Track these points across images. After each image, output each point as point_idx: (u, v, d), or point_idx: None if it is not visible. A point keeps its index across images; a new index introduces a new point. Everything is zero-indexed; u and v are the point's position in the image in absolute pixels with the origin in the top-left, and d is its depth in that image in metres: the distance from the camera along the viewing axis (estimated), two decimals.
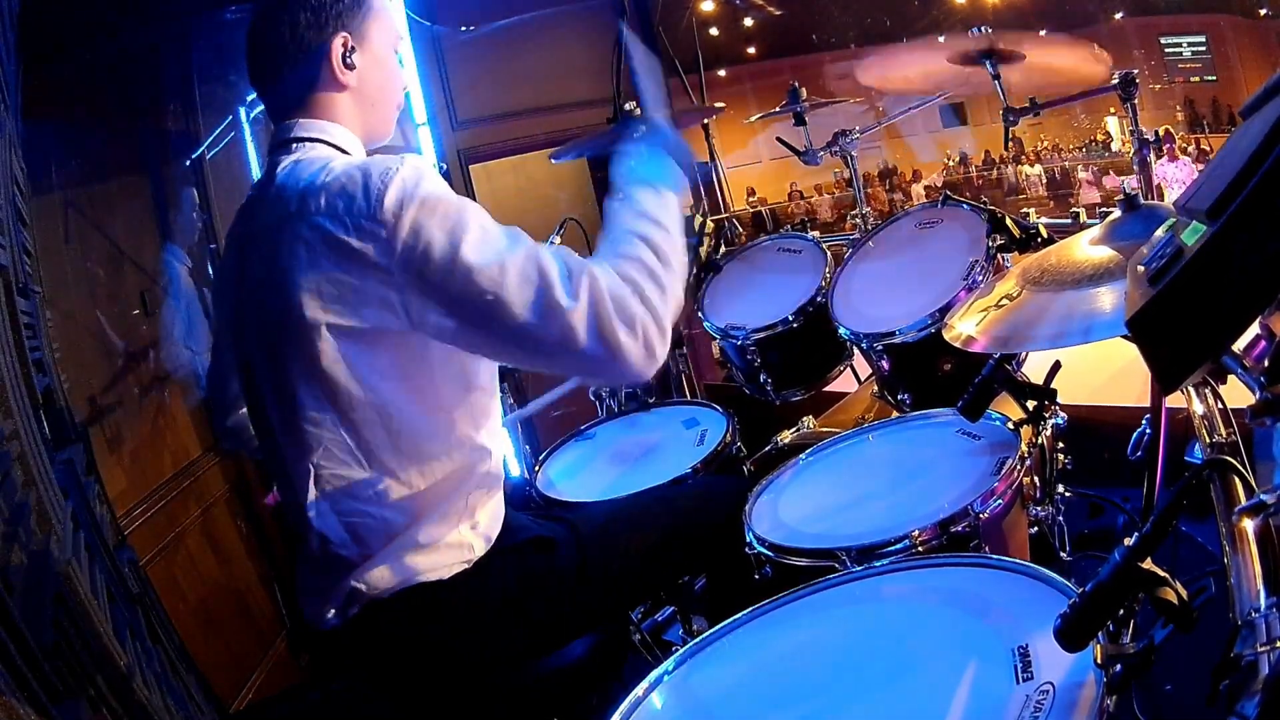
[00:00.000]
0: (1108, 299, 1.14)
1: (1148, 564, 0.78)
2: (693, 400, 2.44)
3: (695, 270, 2.46)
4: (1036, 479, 1.55)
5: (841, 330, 2.11)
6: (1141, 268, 0.76)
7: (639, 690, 1.13)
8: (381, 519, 1.29)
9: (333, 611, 1.32)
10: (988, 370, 1.50)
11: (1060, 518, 1.63)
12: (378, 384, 1.23)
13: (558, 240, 2.46)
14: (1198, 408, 1.22)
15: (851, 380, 2.69)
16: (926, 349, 1.95)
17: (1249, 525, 0.90)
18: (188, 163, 3.20)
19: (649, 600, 2.14)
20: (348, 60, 1.32)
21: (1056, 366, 1.57)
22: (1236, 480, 1.00)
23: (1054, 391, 1.54)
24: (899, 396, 2.12)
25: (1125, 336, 0.83)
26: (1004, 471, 1.42)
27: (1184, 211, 0.77)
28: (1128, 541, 0.79)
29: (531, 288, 1.15)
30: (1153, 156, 2.48)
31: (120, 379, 2.79)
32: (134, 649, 1.71)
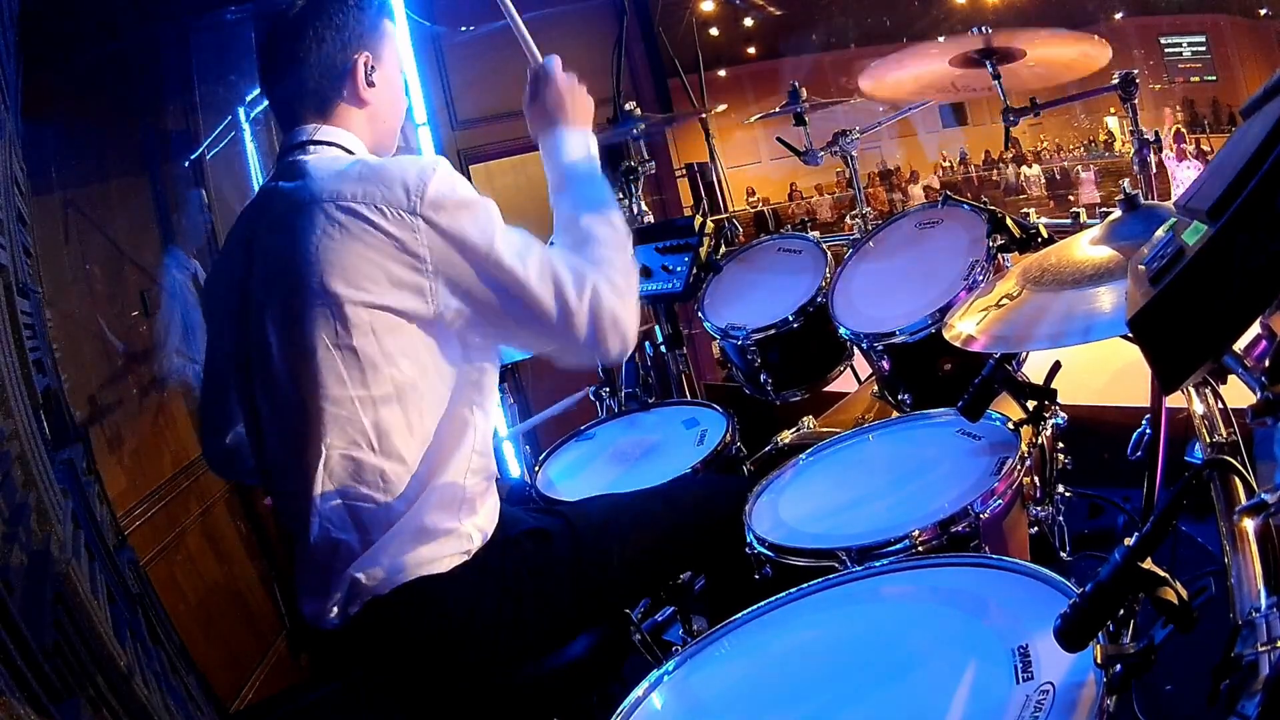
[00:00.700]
0: (1108, 299, 1.14)
1: (1148, 564, 0.78)
2: (693, 400, 2.44)
3: (695, 270, 2.46)
4: (1036, 479, 1.55)
5: (842, 330, 2.11)
6: (1142, 267, 0.76)
7: (639, 690, 1.13)
8: (385, 505, 1.30)
9: (334, 609, 1.32)
10: (988, 370, 1.50)
11: (1060, 518, 1.63)
12: (401, 361, 1.29)
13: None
14: (1198, 408, 1.22)
15: (851, 380, 2.68)
16: (926, 349, 1.95)
17: (1249, 525, 0.90)
18: (187, 163, 3.21)
19: (648, 599, 2.14)
20: (370, 79, 1.41)
21: (1056, 366, 1.57)
22: (1236, 480, 1.00)
23: (1054, 391, 1.54)
24: (899, 396, 2.12)
25: (1125, 336, 0.83)
26: (1004, 471, 1.42)
27: (1184, 211, 0.77)
28: (1128, 541, 0.79)
29: (549, 285, 1.31)
30: (1152, 155, 2.48)
31: (120, 379, 2.79)
32: (134, 649, 1.71)
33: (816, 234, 2.50)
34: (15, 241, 1.92)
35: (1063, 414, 1.60)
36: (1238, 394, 0.98)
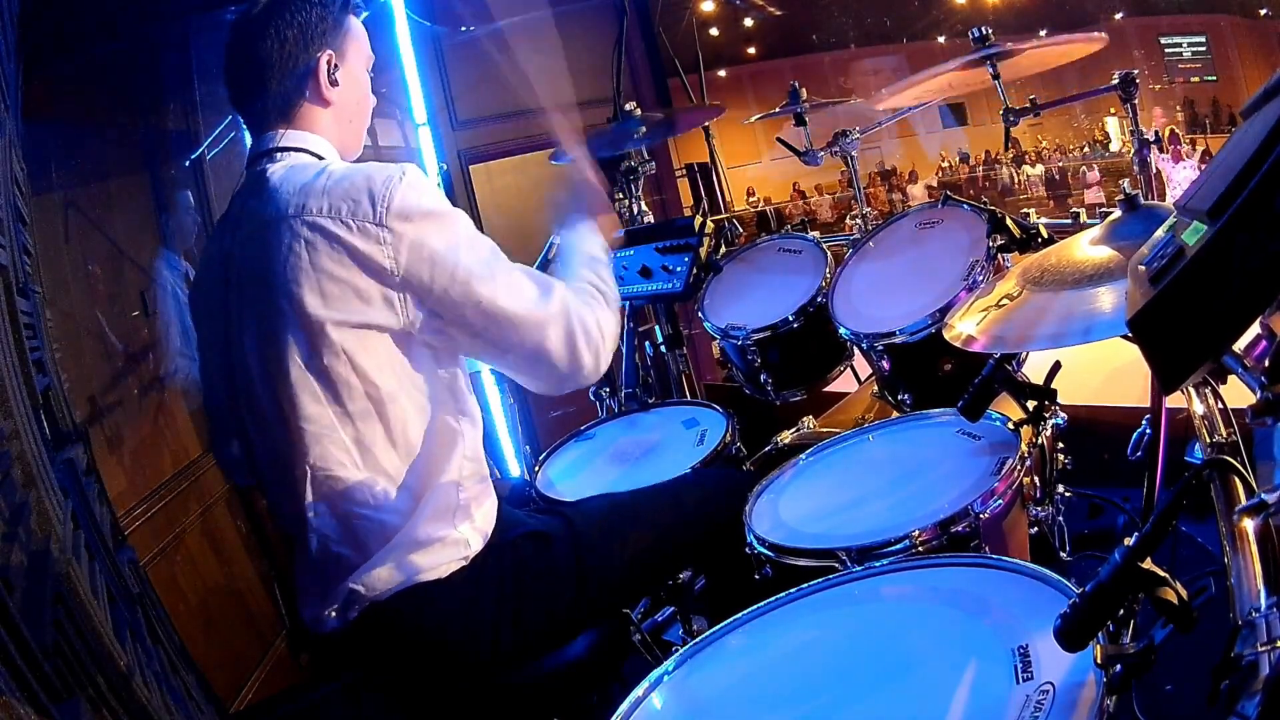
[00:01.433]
0: (1108, 299, 1.14)
1: (1148, 564, 0.78)
2: (693, 400, 2.44)
3: (695, 270, 2.46)
4: (1036, 479, 1.55)
5: (842, 330, 2.11)
6: (1142, 267, 0.76)
7: (639, 690, 1.13)
8: (378, 520, 1.30)
9: (332, 614, 1.32)
10: (988, 370, 1.50)
11: (1060, 518, 1.63)
12: (375, 376, 1.27)
13: (558, 240, 2.46)
14: (1198, 408, 1.22)
15: (851, 380, 2.68)
16: (927, 349, 1.95)
17: (1249, 525, 0.89)
18: (188, 163, 3.20)
19: (648, 599, 2.14)
20: (333, 77, 1.38)
21: (1056, 366, 1.57)
22: (1236, 480, 1.00)
23: (1054, 391, 1.54)
24: (899, 396, 2.12)
25: (1125, 336, 0.83)
26: (1004, 471, 1.42)
27: (1184, 211, 0.77)
28: (1128, 541, 0.79)
29: (517, 298, 1.30)
30: (1153, 155, 2.48)
31: (120, 379, 2.79)
32: (134, 649, 1.71)
33: (816, 234, 2.50)
34: (15, 241, 1.92)
35: (1063, 414, 1.60)
36: (1238, 394, 0.98)
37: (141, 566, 2.29)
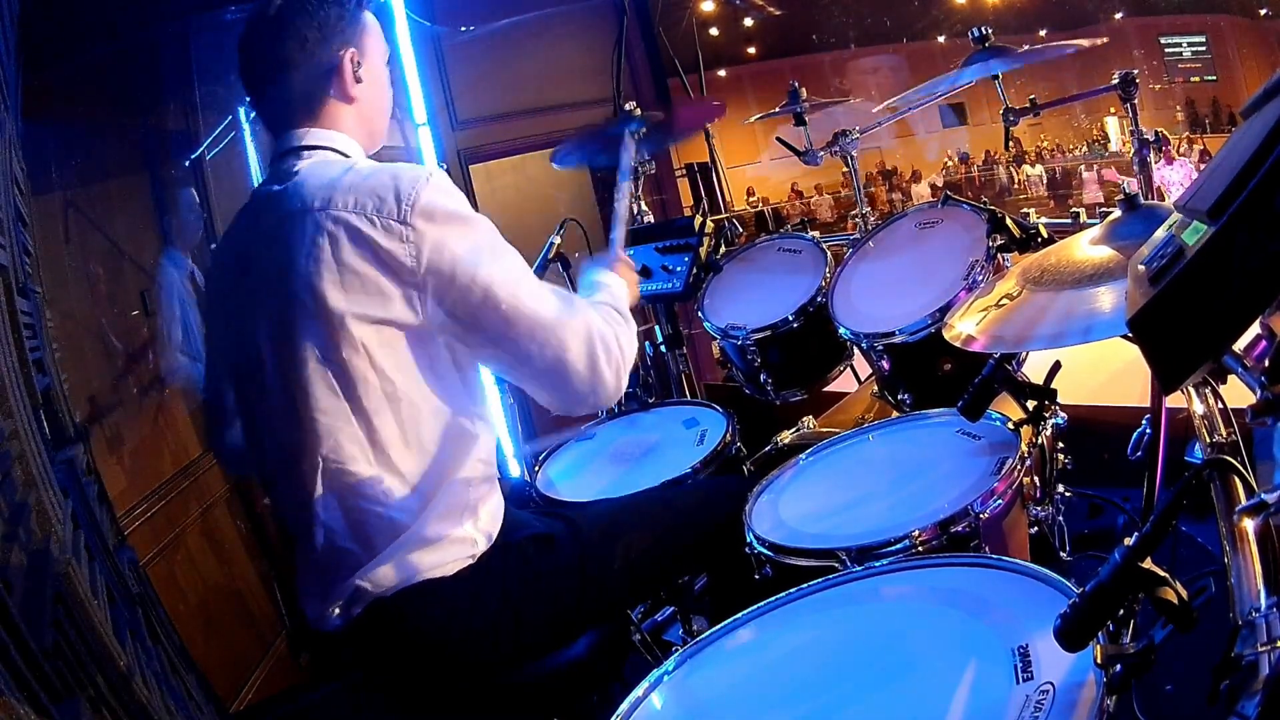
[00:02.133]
0: (1108, 299, 1.13)
1: (1148, 564, 0.78)
2: (693, 400, 2.44)
3: (695, 270, 2.46)
4: (1036, 479, 1.55)
5: (842, 330, 2.11)
6: (1142, 267, 0.76)
7: (639, 690, 1.13)
8: (387, 518, 1.30)
9: (336, 611, 1.32)
10: (988, 370, 1.50)
11: (1060, 518, 1.63)
12: (393, 374, 1.27)
13: (558, 240, 2.46)
14: (1198, 408, 1.22)
15: (851, 380, 2.68)
16: (926, 349, 1.95)
17: (1249, 525, 0.89)
18: (188, 163, 3.20)
19: (649, 600, 2.14)
20: (357, 74, 1.38)
21: (1056, 366, 1.57)
22: (1236, 480, 1.00)
23: (1054, 391, 1.54)
24: (899, 396, 2.12)
25: (1125, 336, 0.83)
26: (1004, 471, 1.42)
27: (1184, 211, 0.77)
28: (1128, 541, 0.79)
29: (539, 306, 1.29)
30: (1152, 156, 2.48)
31: (120, 379, 2.79)
32: (134, 649, 1.71)
33: (816, 234, 2.50)
34: (15, 241, 1.92)
35: (1063, 414, 1.60)
36: (1238, 394, 0.98)
37: (141, 566, 2.29)
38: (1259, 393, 0.81)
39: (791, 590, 1.24)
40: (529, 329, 1.29)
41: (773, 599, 1.24)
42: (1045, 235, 1.96)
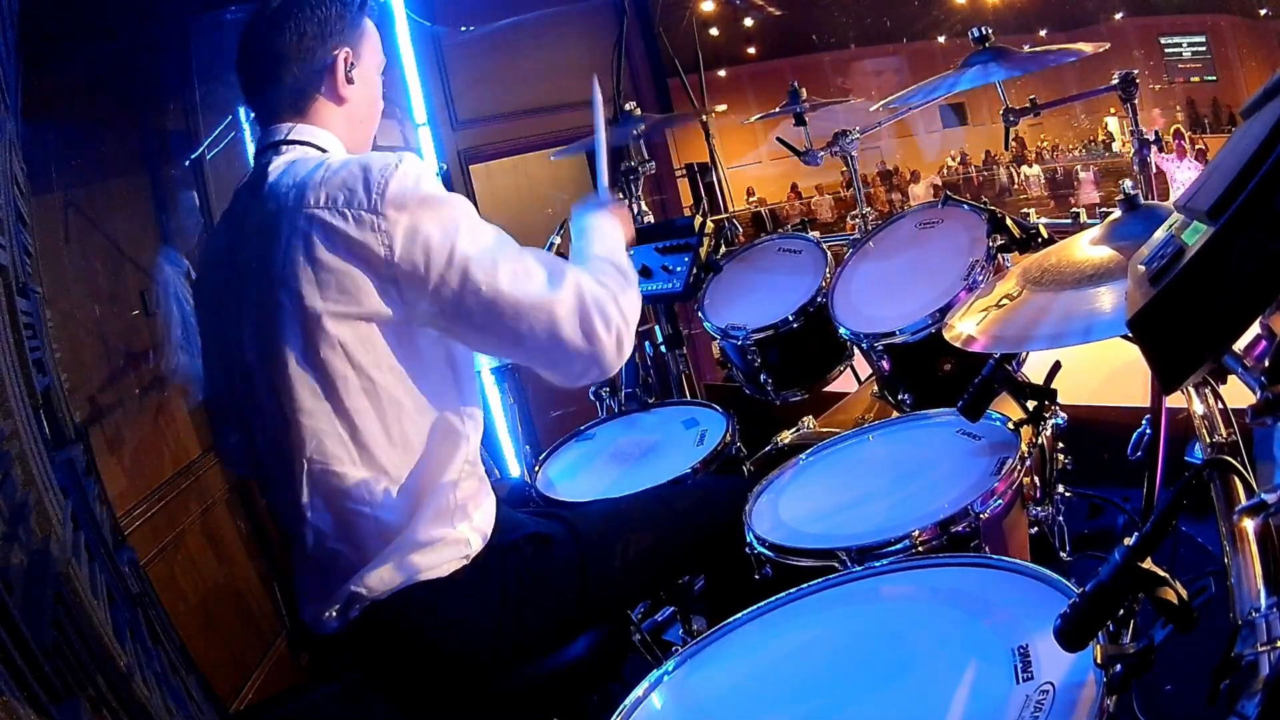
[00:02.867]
0: (1108, 299, 1.14)
1: (1148, 564, 0.78)
2: (693, 400, 2.44)
3: (695, 270, 2.46)
4: (1036, 479, 1.55)
5: (842, 330, 2.11)
6: (1142, 267, 0.76)
7: (639, 690, 1.13)
8: (376, 520, 1.29)
9: (333, 615, 1.32)
10: (988, 370, 1.50)
11: (1060, 518, 1.63)
12: (373, 372, 1.26)
13: (558, 240, 2.46)
14: (1198, 408, 1.22)
15: (851, 380, 2.68)
16: (927, 349, 1.95)
17: (1249, 525, 0.89)
18: (188, 163, 3.20)
19: (649, 600, 2.14)
20: (349, 75, 1.38)
21: (1056, 366, 1.57)
22: (1236, 480, 1.00)
23: (1054, 391, 1.54)
24: (899, 396, 2.12)
25: (1125, 336, 0.83)
26: (1004, 471, 1.42)
27: (1184, 211, 0.77)
28: (1128, 541, 0.79)
29: (522, 283, 1.25)
30: (1152, 155, 2.48)
31: (120, 379, 2.78)
32: (134, 649, 1.70)
33: (816, 234, 2.50)
34: (15, 241, 1.92)
35: (1063, 414, 1.60)
36: (1238, 394, 0.98)
37: (141, 566, 2.29)
38: (1259, 393, 0.81)
39: (791, 590, 1.25)
40: (514, 310, 1.25)
41: (773, 599, 1.24)
42: (1045, 235, 1.96)
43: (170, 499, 2.72)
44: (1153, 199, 2.15)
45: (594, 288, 1.31)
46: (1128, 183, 1.43)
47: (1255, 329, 0.82)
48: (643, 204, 2.84)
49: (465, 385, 1.38)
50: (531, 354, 1.31)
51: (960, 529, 1.34)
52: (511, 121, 4.29)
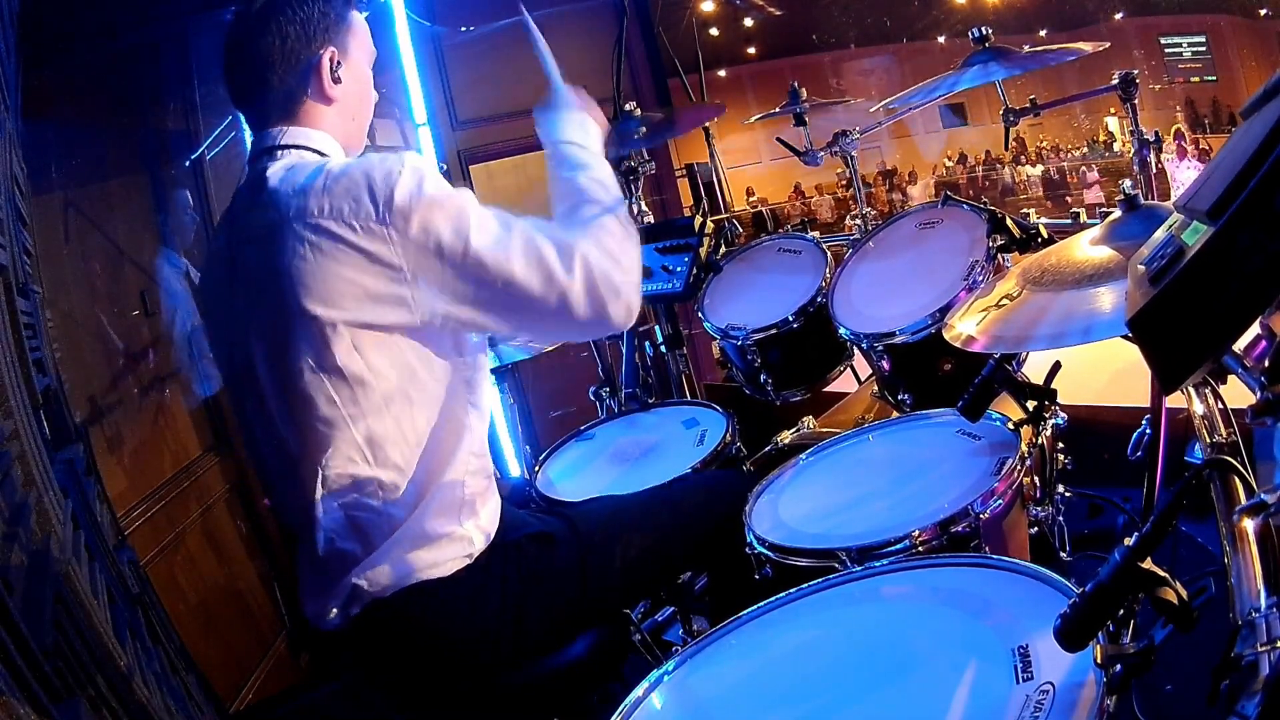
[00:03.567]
0: (1108, 299, 1.14)
1: (1148, 564, 0.78)
2: (693, 400, 2.44)
3: (695, 270, 2.46)
4: (1036, 479, 1.55)
5: (842, 330, 2.11)
6: (1142, 267, 0.76)
7: (639, 690, 1.13)
8: (385, 514, 1.29)
9: (334, 611, 1.32)
10: (988, 370, 1.50)
11: (1060, 518, 1.63)
12: (390, 373, 1.26)
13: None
14: (1198, 408, 1.22)
15: (851, 380, 2.68)
16: (927, 349, 1.95)
17: (1249, 525, 0.90)
18: (187, 163, 3.20)
19: (649, 599, 2.14)
20: (336, 74, 1.36)
21: (1056, 366, 1.57)
22: (1236, 480, 1.00)
23: (1054, 391, 1.54)
24: (899, 396, 2.12)
25: (1125, 336, 0.83)
26: (1004, 471, 1.42)
27: (1185, 211, 0.77)
28: (1128, 541, 0.79)
29: (535, 268, 1.27)
30: (1152, 155, 2.48)
31: (120, 379, 2.78)
32: (134, 649, 1.71)
33: (816, 234, 2.50)
34: (15, 241, 1.92)
35: (1063, 414, 1.60)
36: (1238, 394, 0.98)
37: (141, 566, 2.29)
38: (1259, 393, 0.81)
39: (791, 590, 1.24)
40: (528, 299, 1.26)
41: (773, 599, 1.24)
42: (1045, 235, 1.96)
43: (170, 499, 2.72)
44: (1153, 199, 2.15)
45: (600, 260, 1.30)
46: (1128, 183, 1.43)
47: (1255, 329, 0.82)
48: (643, 204, 2.84)
49: (476, 376, 1.38)
50: (547, 330, 1.39)
51: (960, 529, 1.34)
52: (511, 121, 4.29)
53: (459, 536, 1.35)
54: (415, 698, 1.38)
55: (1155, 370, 0.70)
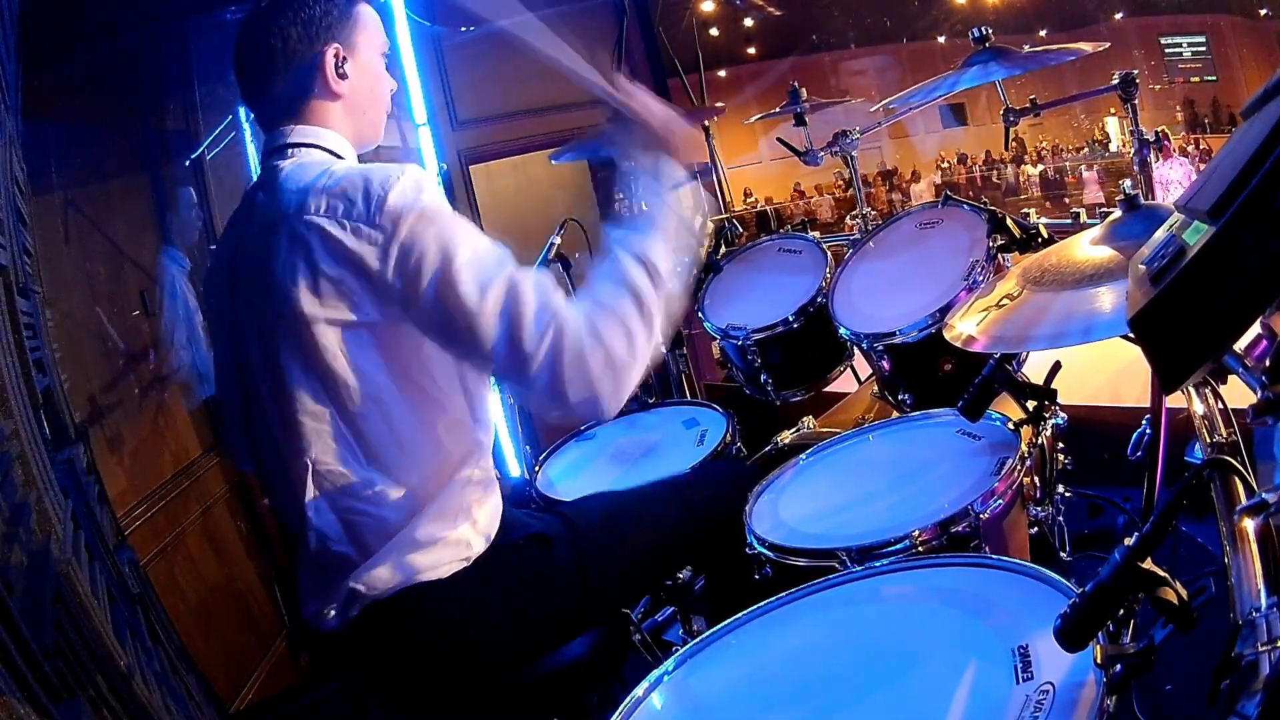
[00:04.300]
0: (1108, 299, 1.14)
1: (1148, 564, 0.78)
2: (693, 400, 2.45)
3: (695, 270, 2.46)
4: (1036, 479, 1.55)
5: (842, 330, 2.11)
6: (1143, 267, 0.76)
7: (639, 690, 1.13)
8: (379, 518, 1.29)
9: (333, 612, 1.32)
10: (988, 370, 1.50)
11: (1060, 518, 1.63)
12: (376, 376, 1.25)
13: (558, 240, 2.46)
14: (1198, 408, 1.22)
15: (851, 380, 2.69)
16: (927, 349, 1.95)
17: (1249, 525, 0.89)
18: (188, 163, 3.20)
19: (648, 599, 2.14)
20: (340, 70, 1.36)
21: (1056, 366, 1.57)
22: (1236, 480, 1.00)
23: (1054, 391, 1.54)
24: (899, 396, 2.12)
25: (1126, 336, 0.83)
26: (1004, 471, 1.42)
27: (1185, 211, 0.77)
28: (1128, 541, 0.79)
29: (504, 323, 1.19)
30: (1152, 156, 2.48)
31: (120, 379, 2.79)
32: (134, 649, 1.71)
33: (816, 234, 2.50)
34: (15, 241, 1.92)
35: (1063, 414, 1.60)
36: (1238, 394, 0.98)
37: (141, 566, 2.29)
38: (1259, 393, 0.81)
39: (792, 590, 1.24)
40: (486, 346, 1.20)
41: (773, 599, 1.24)
42: (1045, 235, 1.96)
43: (170, 499, 2.72)
44: (1152, 199, 2.15)
45: (583, 341, 1.20)
46: (1128, 183, 1.43)
47: (1255, 329, 0.82)
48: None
49: (476, 387, 1.37)
50: (511, 388, 1.31)
51: (960, 529, 1.34)
52: (511, 121, 4.29)
53: (456, 540, 1.34)
54: (415, 699, 1.38)
55: (1156, 370, 0.70)
